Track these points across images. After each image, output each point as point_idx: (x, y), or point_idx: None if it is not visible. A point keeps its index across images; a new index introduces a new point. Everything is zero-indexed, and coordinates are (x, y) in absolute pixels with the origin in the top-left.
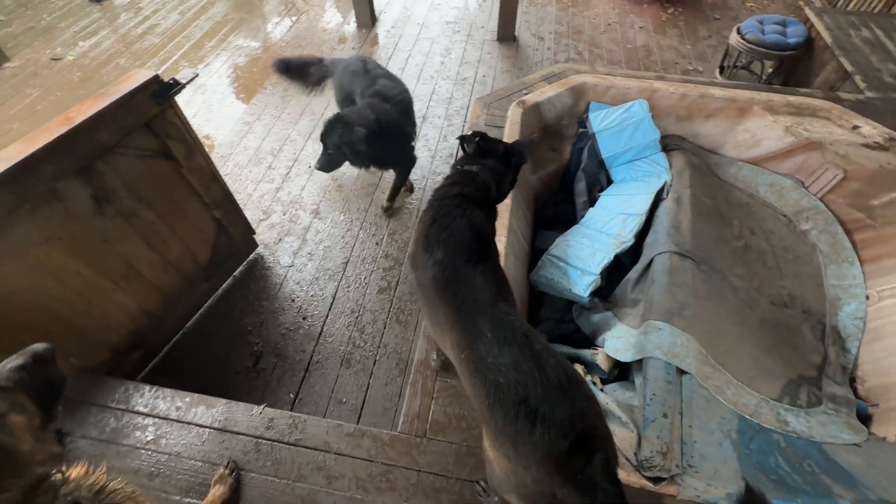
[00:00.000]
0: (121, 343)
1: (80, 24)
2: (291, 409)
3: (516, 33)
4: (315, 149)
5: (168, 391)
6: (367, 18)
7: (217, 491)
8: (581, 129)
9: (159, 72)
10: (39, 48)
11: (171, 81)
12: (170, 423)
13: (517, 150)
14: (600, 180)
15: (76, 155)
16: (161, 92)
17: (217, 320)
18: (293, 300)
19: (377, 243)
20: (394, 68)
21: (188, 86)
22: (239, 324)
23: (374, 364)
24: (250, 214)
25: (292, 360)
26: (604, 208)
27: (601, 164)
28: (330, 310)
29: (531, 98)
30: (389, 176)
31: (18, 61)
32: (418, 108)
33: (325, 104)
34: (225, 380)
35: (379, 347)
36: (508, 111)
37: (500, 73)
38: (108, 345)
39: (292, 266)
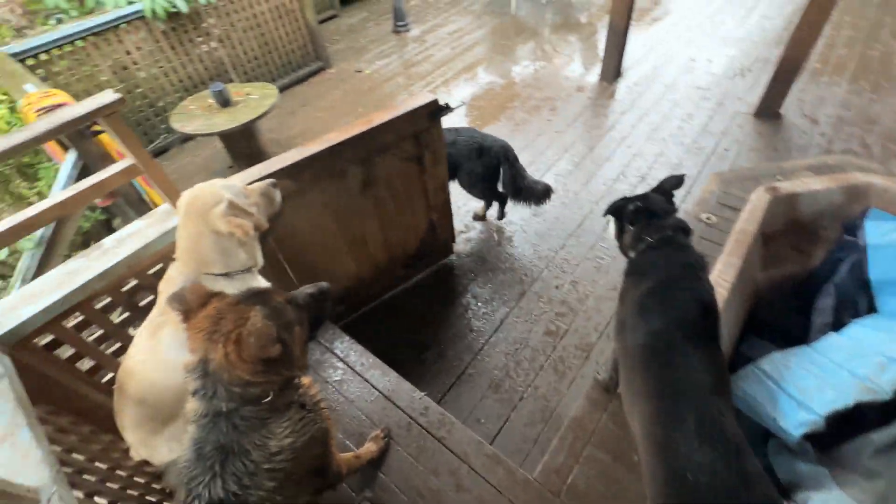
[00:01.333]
0: (335, 295)
1: (380, 48)
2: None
3: (781, 110)
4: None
5: (359, 347)
6: (613, 72)
7: (371, 447)
8: (847, 237)
9: (422, 91)
10: (352, 62)
11: (445, 105)
12: (353, 373)
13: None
14: (857, 304)
15: (366, 147)
16: (435, 112)
17: (403, 304)
18: (466, 310)
19: (557, 286)
20: (625, 124)
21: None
22: (418, 313)
23: (519, 400)
24: (455, 224)
25: (449, 363)
26: (855, 340)
27: (865, 286)
28: (495, 332)
29: (787, 186)
30: (591, 223)
31: (336, 69)
32: (639, 165)
33: (547, 143)
34: (392, 356)
35: (529, 386)
36: (752, 195)
37: (746, 151)
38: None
39: (475, 280)
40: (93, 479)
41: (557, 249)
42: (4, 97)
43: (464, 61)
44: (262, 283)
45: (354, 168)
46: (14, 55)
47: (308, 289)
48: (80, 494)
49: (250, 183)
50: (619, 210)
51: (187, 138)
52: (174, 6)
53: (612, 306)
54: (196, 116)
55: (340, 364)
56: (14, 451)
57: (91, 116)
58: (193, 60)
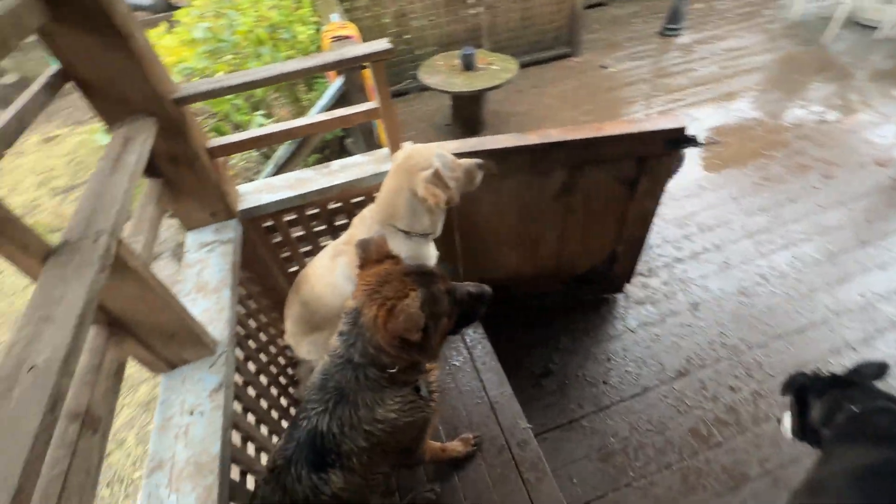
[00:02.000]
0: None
1: (637, 48)
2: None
3: None
4: (740, 254)
5: (488, 344)
6: None
7: (458, 447)
8: None
9: (658, 110)
10: (600, 55)
11: (692, 137)
12: (472, 367)
13: None
14: None
15: (582, 155)
16: (677, 142)
17: (546, 320)
18: (608, 359)
19: (732, 388)
20: None
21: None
22: (557, 336)
23: (626, 485)
24: (638, 265)
25: (566, 403)
26: None
27: None
28: (631, 398)
29: None
30: (818, 336)
31: (581, 59)
32: None
33: (799, 214)
34: (514, 365)
35: (644, 478)
36: None
37: None
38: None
39: (633, 332)
40: (253, 345)
41: (753, 346)
42: (317, 20)
43: (729, 86)
44: (432, 252)
45: (560, 171)
46: None
47: (470, 287)
48: (240, 355)
49: (460, 156)
50: (804, 386)
51: (425, 88)
52: None
53: (796, 450)
54: (440, 72)
55: (465, 352)
56: (217, 304)
57: (365, 59)
58: (458, 21)
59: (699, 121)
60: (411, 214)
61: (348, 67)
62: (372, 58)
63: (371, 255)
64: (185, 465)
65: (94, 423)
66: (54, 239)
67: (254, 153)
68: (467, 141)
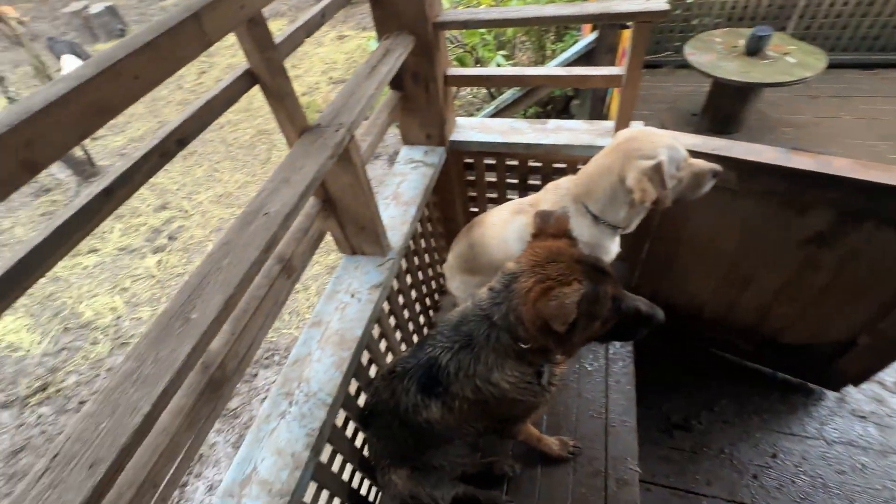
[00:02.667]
0: (666, 302)
1: None
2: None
3: None
4: None
5: (632, 365)
6: None
7: (553, 446)
8: None
9: None
10: None
11: None
12: (604, 380)
13: None
14: None
15: (866, 203)
16: None
17: (712, 372)
18: (774, 455)
19: None
20: None
21: None
22: (718, 395)
23: None
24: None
25: (691, 470)
26: None
27: None
28: None
29: None
30: None
31: None
32: None
33: None
34: (648, 401)
35: None
36: None
37: None
38: (660, 301)
39: (829, 445)
40: (416, 262)
41: None
42: None
43: None
44: (614, 247)
45: (823, 214)
46: None
47: (641, 304)
48: (403, 265)
49: (695, 155)
50: None
51: (684, 65)
52: None
53: None
54: (712, 51)
55: (602, 360)
56: (402, 216)
57: (631, 17)
58: None
59: None
60: (609, 201)
61: (609, 23)
62: (640, 17)
63: (548, 228)
64: (334, 333)
65: (290, 271)
66: (313, 119)
67: (482, 91)
68: (712, 140)
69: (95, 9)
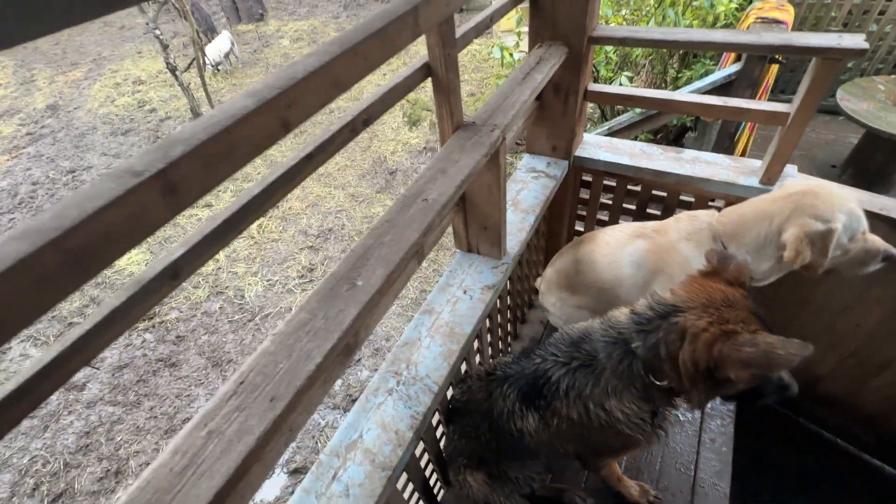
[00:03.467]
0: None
1: None
2: None
3: None
4: None
5: (731, 427)
6: None
7: (633, 489)
8: None
9: None
10: None
11: None
12: (696, 431)
13: None
14: None
15: None
16: None
17: (824, 461)
18: None
19: None
20: None
21: None
22: (820, 485)
23: None
24: None
25: None
26: None
27: None
28: None
29: None
30: None
31: None
32: None
33: None
34: (739, 474)
35: None
36: None
37: None
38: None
39: None
40: (517, 270)
41: None
42: None
43: None
44: None
45: None
46: None
47: (785, 373)
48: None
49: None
50: None
51: (831, 111)
52: None
53: None
54: (872, 99)
55: (696, 417)
56: (520, 223)
57: (823, 53)
58: None
59: None
60: (757, 250)
61: (788, 55)
62: (831, 54)
63: (725, 272)
64: (444, 324)
65: (420, 256)
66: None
67: (595, 109)
68: (880, 198)
69: None
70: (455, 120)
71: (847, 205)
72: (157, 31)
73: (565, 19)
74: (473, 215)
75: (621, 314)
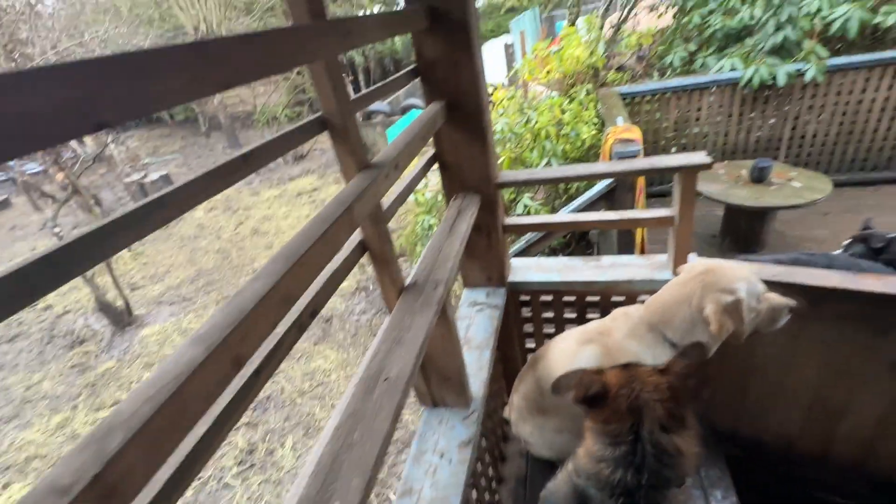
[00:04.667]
0: (749, 439)
1: None
2: None
3: None
4: None
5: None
6: None
7: None
8: None
9: None
10: None
11: None
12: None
13: None
14: None
15: None
16: None
17: None
18: None
19: None
20: None
21: None
22: None
23: None
24: None
25: None
26: None
27: None
28: None
29: None
30: None
31: None
32: None
33: None
34: None
35: None
36: None
37: None
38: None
39: None
40: (486, 410)
41: None
42: (597, 122)
43: None
44: None
45: None
46: (621, 94)
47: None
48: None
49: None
50: None
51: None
52: (773, 78)
53: None
54: (718, 181)
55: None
56: (477, 361)
57: (678, 170)
58: (750, 130)
59: None
60: (687, 331)
61: (655, 174)
62: (686, 169)
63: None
64: (428, 503)
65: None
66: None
67: None
68: (770, 268)
69: (153, 177)
70: (397, 285)
71: (740, 273)
72: (56, 229)
73: (472, 174)
74: (433, 369)
75: (602, 469)
